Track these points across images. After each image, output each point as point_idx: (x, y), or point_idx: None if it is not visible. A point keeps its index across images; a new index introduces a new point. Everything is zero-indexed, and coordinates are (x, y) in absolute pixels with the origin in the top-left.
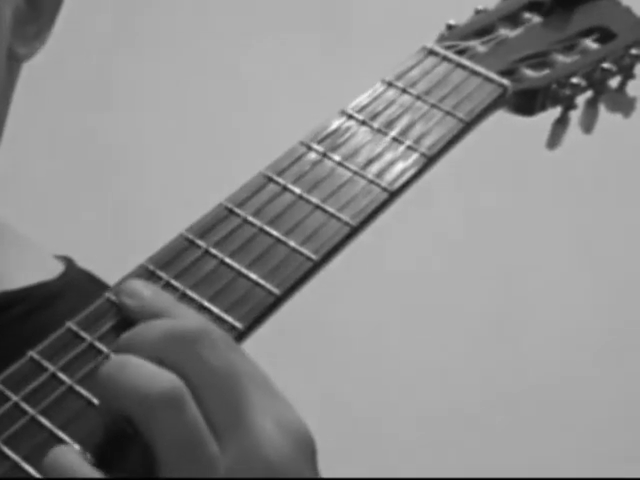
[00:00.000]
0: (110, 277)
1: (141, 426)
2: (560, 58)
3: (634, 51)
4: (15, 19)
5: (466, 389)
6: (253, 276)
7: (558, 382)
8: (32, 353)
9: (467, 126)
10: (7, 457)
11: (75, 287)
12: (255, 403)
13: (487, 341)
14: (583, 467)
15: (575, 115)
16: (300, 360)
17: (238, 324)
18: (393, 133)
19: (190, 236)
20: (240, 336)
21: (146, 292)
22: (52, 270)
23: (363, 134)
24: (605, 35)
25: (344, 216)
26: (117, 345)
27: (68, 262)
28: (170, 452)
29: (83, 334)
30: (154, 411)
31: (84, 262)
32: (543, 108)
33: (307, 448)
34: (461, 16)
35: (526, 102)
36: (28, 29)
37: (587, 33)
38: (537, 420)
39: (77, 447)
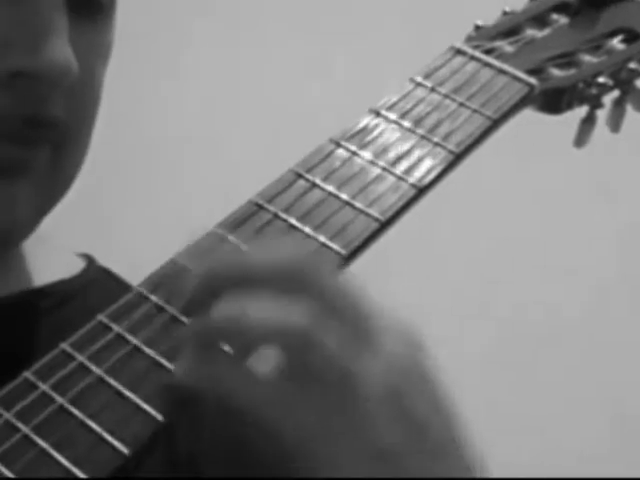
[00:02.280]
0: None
1: (290, 356)
2: (587, 58)
3: None
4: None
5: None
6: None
7: None
8: (64, 345)
9: (494, 124)
10: (35, 444)
11: (95, 284)
12: (378, 320)
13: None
14: None
15: (602, 114)
16: None
17: None
18: (421, 131)
19: (220, 231)
20: None
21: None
22: (73, 267)
23: (392, 132)
24: (631, 36)
25: (373, 212)
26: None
27: (89, 260)
28: (325, 374)
29: (113, 326)
30: (293, 350)
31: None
32: (570, 107)
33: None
34: (489, 18)
35: (553, 101)
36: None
37: (613, 34)
38: None
39: (107, 436)
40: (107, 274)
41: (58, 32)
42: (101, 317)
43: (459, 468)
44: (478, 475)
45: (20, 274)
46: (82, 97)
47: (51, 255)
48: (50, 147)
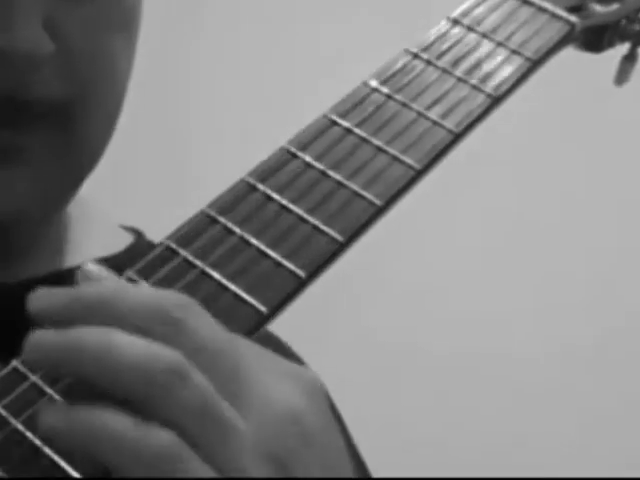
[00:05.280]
0: None
1: (146, 405)
2: None
3: None
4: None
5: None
6: (314, 221)
7: None
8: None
9: (534, 65)
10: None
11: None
12: (258, 363)
13: None
14: None
15: None
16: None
17: (300, 271)
18: (458, 72)
19: (251, 180)
20: (302, 284)
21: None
22: (119, 243)
23: (428, 74)
24: None
25: (408, 159)
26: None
27: (137, 234)
28: (188, 421)
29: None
30: (162, 386)
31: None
32: (611, 44)
33: (322, 396)
34: None
35: (594, 38)
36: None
37: None
38: None
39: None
40: None
41: (26, 10)
42: (129, 272)
43: None
44: None
45: (53, 254)
46: (89, 73)
47: (94, 231)
48: (49, 130)
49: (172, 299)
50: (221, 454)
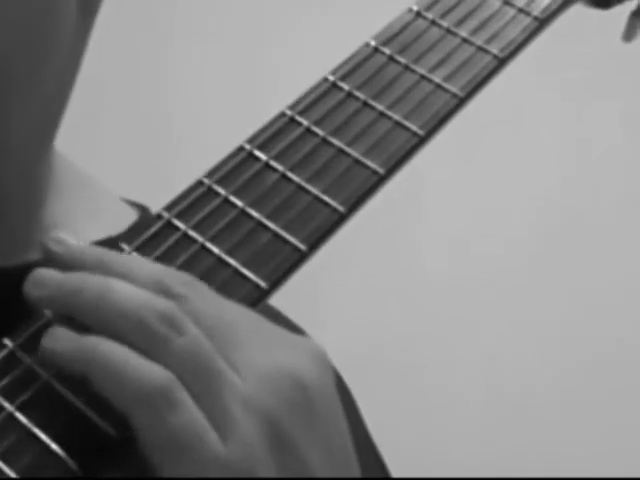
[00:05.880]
0: None
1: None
2: None
3: None
4: None
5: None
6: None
7: None
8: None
9: (541, 24)
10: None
11: None
12: (263, 332)
13: None
14: None
15: None
16: None
17: (301, 245)
18: (463, 33)
19: (249, 147)
20: (302, 257)
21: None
22: (123, 221)
23: (432, 34)
24: None
25: (411, 125)
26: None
27: (142, 210)
28: (181, 367)
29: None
30: (156, 333)
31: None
32: (620, 1)
33: (329, 368)
34: None
35: None
36: None
37: None
38: None
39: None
40: None
41: None
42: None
43: None
44: None
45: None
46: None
47: (96, 209)
48: None
49: (174, 275)
50: (211, 402)
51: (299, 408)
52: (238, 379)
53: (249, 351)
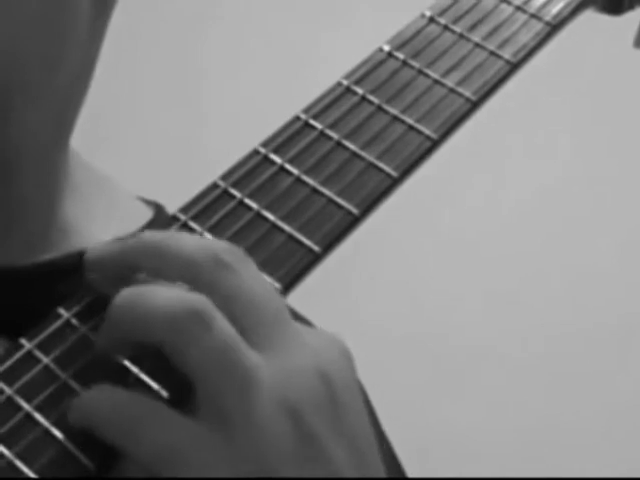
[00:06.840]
0: None
1: (170, 349)
2: None
3: None
4: None
5: None
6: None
7: None
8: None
9: (553, 29)
10: None
11: None
12: (294, 322)
13: None
14: None
15: None
16: None
17: (315, 247)
18: (476, 38)
19: (264, 151)
20: (316, 259)
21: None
22: (138, 219)
23: (444, 39)
24: None
25: (425, 129)
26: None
27: (157, 209)
28: (204, 369)
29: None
30: (182, 330)
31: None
32: (631, 6)
33: (352, 364)
34: None
35: (614, 1)
36: None
37: None
38: None
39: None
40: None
41: None
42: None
43: None
44: None
45: (67, 233)
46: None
47: (111, 206)
48: None
49: (222, 245)
50: (235, 406)
51: (325, 402)
52: (264, 372)
53: (285, 335)
